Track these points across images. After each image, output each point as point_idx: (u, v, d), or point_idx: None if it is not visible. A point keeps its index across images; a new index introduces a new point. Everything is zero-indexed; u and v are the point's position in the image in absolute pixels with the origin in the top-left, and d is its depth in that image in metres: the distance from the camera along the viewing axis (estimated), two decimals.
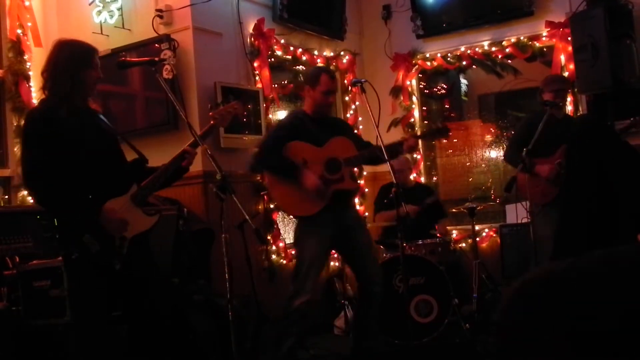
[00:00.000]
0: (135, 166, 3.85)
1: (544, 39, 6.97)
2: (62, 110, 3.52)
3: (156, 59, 4.19)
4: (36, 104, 3.71)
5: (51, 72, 3.59)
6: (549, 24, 6.84)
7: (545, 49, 7.05)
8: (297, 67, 7.29)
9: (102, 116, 3.83)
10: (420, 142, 4.81)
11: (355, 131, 5.22)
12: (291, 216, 4.75)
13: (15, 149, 5.84)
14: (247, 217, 3.78)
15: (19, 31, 5.93)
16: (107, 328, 3.62)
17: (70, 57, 3.61)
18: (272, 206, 6.32)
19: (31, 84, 5.97)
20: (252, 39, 6.37)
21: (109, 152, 3.70)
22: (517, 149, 5.63)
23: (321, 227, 4.65)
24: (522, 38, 7.09)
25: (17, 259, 4.74)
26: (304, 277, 4.63)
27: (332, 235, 4.71)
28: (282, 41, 6.74)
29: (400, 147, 4.78)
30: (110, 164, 3.68)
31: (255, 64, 6.36)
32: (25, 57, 5.95)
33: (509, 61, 7.31)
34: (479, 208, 6.27)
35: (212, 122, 4.00)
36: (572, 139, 3.94)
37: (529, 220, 5.47)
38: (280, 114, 7.28)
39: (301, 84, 4.93)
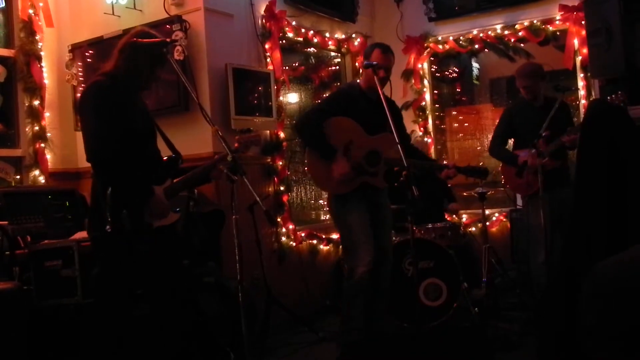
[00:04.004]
0: (170, 163, 3.92)
1: (557, 22, 6.92)
2: (131, 91, 3.70)
3: (167, 40, 4.17)
4: (102, 76, 3.68)
5: (134, 54, 3.67)
6: (563, 7, 6.78)
7: (558, 33, 7.00)
8: (308, 49, 7.27)
9: (148, 111, 3.93)
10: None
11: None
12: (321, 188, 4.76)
13: (27, 129, 5.87)
14: (257, 199, 3.78)
15: (31, 11, 5.93)
16: (126, 306, 3.66)
17: (156, 50, 3.72)
18: (282, 188, 6.32)
19: (43, 64, 5.99)
20: (264, 21, 6.34)
21: (154, 142, 3.85)
22: (501, 143, 5.70)
23: (357, 201, 4.68)
24: (535, 21, 7.04)
25: (29, 239, 4.76)
26: (354, 250, 4.65)
27: (366, 209, 4.73)
28: (294, 23, 6.71)
29: (437, 170, 4.83)
30: (154, 155, 3.83)
31: (267, 46, 6.33)
32: (37, 37, 5.97)
33: (522, 45, 7.26)
34: (489, 193, 6.25)
35: (236, 145, 4.03)
36: (584, 123, 3.90)
37: (524, 210, 5.61)
38: (291, 97, 7.27)
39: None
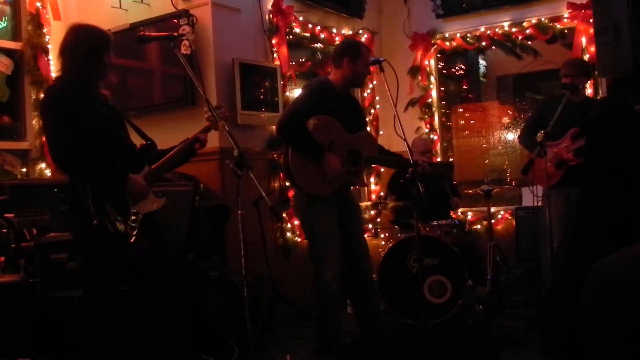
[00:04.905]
0: (144, 151, 3.92)
1: (565, 20, 6.89)
2: (85, 88, 3.67)
3: (175, 34, 4.17)
4: (56, 81, 3.78)
5: (74, 52, 3.66)
6: (571, 5, 6.75)
7: (566, 31, 6.97)
8: (315, 44, 7.26)
9: (110, 102, 3.93)
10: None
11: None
12: (302, 191, 4.67)
13: (33, 122, 5.87)
14: (263, 194, 3.78)
15: (38, 4, 5.94)
16: (118, 300, 3.66)
17: (94, 41, 3.71)
18: (287, 183, 6.32)
19: (50, 57, 5.99)
20: (271, 16, 6.33)
21: (122, 132, 3.85)
22: (530, 132, 5.67)
23: (329, 204, 4.65)
24: (542, 19, 7.02)
25: (35, 231, 4.77)
26: (323, 253, 4.61)
27: (336, 211, 4.71)
28: (301, 18, 6.70)
29: (413, 167, 4.72)
30: (125, 144, 3.83)
31: (274, 41, 6.33)
32: (44, 30, 5.98)
33: (529, 42, 7.24)
34: (495, 190, 6.23)
35: (207, 123, 4.06)
36: (591, 122, 3.90)
37: (541, 203, 5.54)
38: (297, 92, 7.26)
39: (333, 57, 4.85)
